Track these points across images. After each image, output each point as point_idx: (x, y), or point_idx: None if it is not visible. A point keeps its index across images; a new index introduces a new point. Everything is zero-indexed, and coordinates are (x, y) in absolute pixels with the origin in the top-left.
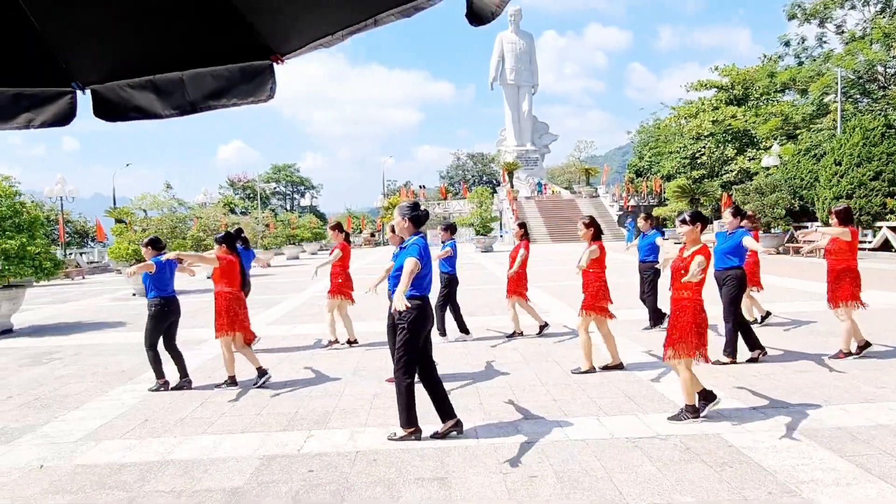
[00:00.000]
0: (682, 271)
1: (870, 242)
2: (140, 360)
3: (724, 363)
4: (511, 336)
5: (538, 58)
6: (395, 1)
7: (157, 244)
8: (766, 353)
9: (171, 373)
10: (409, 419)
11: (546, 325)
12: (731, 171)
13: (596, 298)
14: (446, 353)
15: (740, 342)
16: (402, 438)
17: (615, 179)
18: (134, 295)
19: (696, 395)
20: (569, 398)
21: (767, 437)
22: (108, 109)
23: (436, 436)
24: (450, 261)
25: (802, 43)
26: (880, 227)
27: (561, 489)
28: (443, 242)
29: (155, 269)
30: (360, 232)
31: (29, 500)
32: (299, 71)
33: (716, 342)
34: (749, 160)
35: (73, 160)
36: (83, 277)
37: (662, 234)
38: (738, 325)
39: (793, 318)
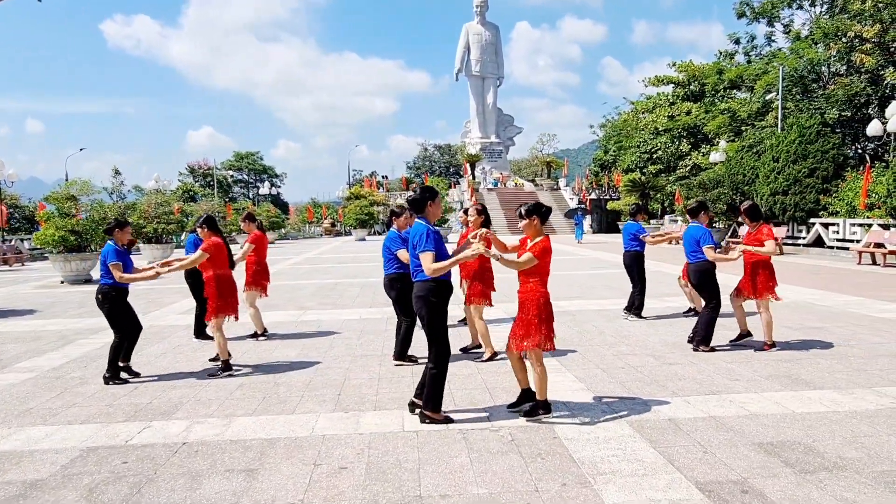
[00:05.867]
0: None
1: (804, 238)
2: (24, 349)
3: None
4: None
5: (507, 49)
6: None
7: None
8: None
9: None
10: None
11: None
12: (685, 166)
13: (489, 287)
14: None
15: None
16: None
17: (583, 173)
18: (62, 282)
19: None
20: None
21: (595, 429)
22: None
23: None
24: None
25: (752, 41)
26: (813, 224)
27: (363, 481)
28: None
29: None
30: (321, 221)
31: None
32: (269, 56)
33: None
34: (702, 155)
35: (39, 142)
36: (22, 264)
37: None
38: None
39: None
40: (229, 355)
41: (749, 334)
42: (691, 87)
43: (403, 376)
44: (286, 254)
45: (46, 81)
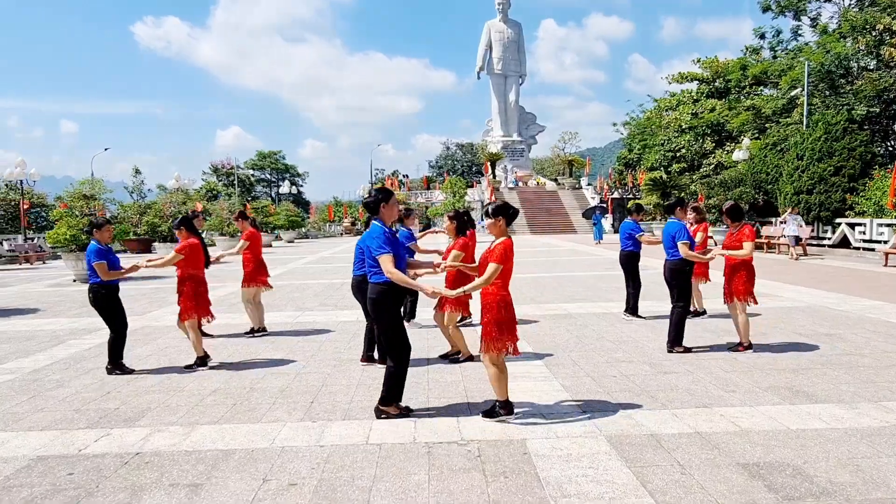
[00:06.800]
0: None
1: (829, 239)
2: (14, 349)
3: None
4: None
5: (533, 47)
6: None
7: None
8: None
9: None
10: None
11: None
12: (709, 164)
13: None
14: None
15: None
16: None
17: (608, 172)
18: (74, 281)
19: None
20: (408, 396)
21: (570, 444)
22: None
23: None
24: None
25: (777, 36)
26: (839, 224)
27: (309, 500)
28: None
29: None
30: (342, 220)
31: None
32: (295, 56)
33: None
34: (726, 153)
35: (73, 143)
36: (43, 262)
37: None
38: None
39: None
40: (205, 352)
41: (750, 345)
42: (716, 83)
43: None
44: (301, 253)
45: (80, 83)
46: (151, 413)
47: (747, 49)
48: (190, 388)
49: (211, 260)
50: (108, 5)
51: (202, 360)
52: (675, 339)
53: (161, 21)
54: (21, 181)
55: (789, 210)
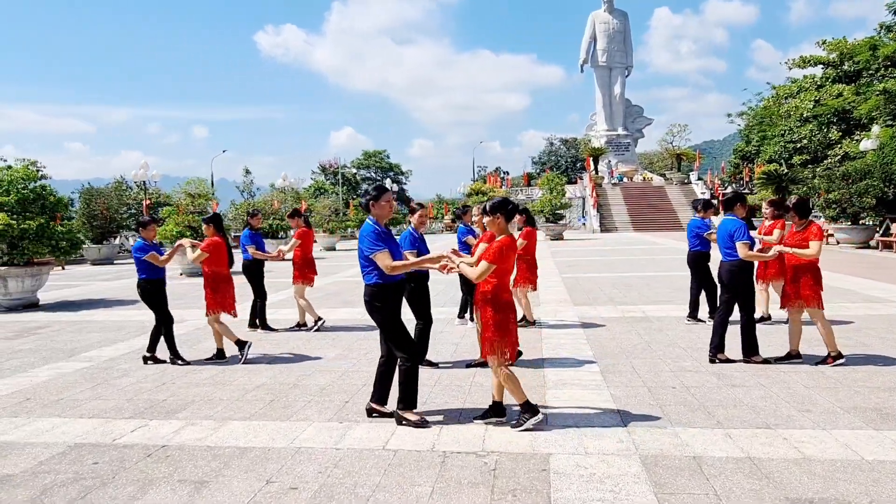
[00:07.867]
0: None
1: None
2: (101, 338)
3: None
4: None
5: (645, 37)
6: None
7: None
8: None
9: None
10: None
11: (532, 322)
12: (835, 155)
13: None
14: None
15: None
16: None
17: (726, 165)
18: (181, 274)
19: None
20: (442, 401)
21: (597, 463)
22: None
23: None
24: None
25: None
26: None
27: None
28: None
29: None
30: (443, 217)
31: None
32: (406, 58)
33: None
34: (854, 143)
35: (204, 146)
36: None
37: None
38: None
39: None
40: (221, 341)
41: (799, 356)
42: (843, 67)
43: (422, 385)
44: None
45: (210, 91)
46: (194, 406)
47: (880, 27)
48: (238, 382)
49: (273, 255)
50: (233, 17)
51: (241, 344)
52: (751, 348)
53: (280, 29)
54: (145, 181)
55: None
